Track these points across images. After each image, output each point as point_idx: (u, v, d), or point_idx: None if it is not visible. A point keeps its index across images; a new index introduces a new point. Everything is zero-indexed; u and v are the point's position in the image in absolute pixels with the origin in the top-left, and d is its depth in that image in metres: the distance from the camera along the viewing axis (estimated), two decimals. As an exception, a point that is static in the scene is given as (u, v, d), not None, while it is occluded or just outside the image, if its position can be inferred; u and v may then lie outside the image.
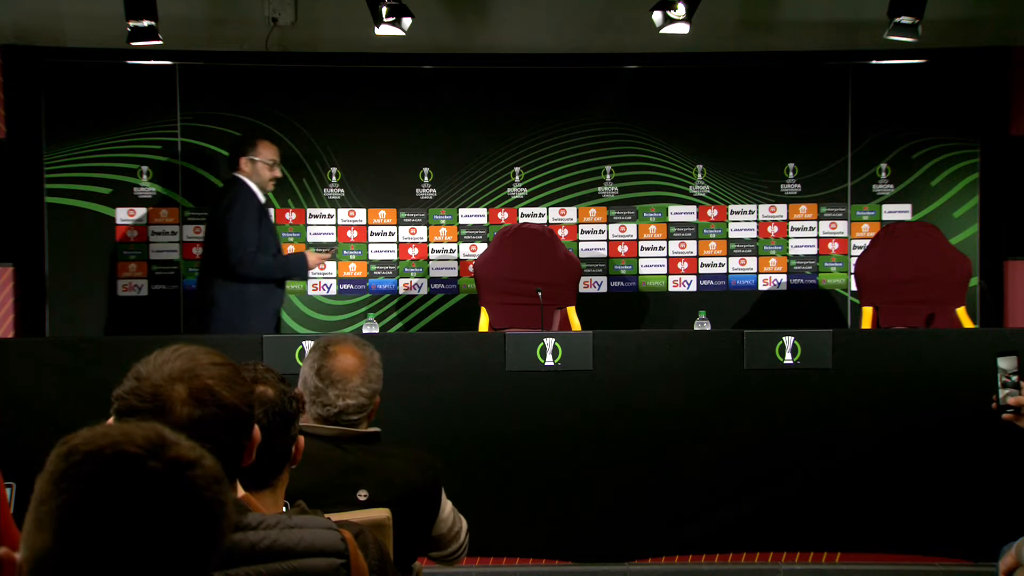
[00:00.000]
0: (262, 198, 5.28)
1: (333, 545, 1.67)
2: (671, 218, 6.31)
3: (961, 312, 5.52)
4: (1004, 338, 4.64)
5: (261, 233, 5.18)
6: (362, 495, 2.44)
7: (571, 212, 6.29)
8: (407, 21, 5.55)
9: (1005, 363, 2.94)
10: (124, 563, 1.00)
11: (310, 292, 6.20)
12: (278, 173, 5.35)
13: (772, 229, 6.31)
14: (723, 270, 6.31)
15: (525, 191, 6.29)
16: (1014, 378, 2.93)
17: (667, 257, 6.30)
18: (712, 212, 6.30)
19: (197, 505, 1.04)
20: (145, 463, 1.03)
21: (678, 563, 4.33)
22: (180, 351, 1.59)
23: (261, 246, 5.17)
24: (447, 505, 2.68)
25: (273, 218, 5.76)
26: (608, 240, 6.31)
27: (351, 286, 6.24)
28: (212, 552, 1.06)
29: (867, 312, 5.63)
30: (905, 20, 5.38)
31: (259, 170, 5.25)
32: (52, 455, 1.06)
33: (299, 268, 5.41)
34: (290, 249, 5.97)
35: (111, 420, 1.49)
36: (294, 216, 6.19)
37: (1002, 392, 2.93)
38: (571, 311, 5.67)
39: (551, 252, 5.79)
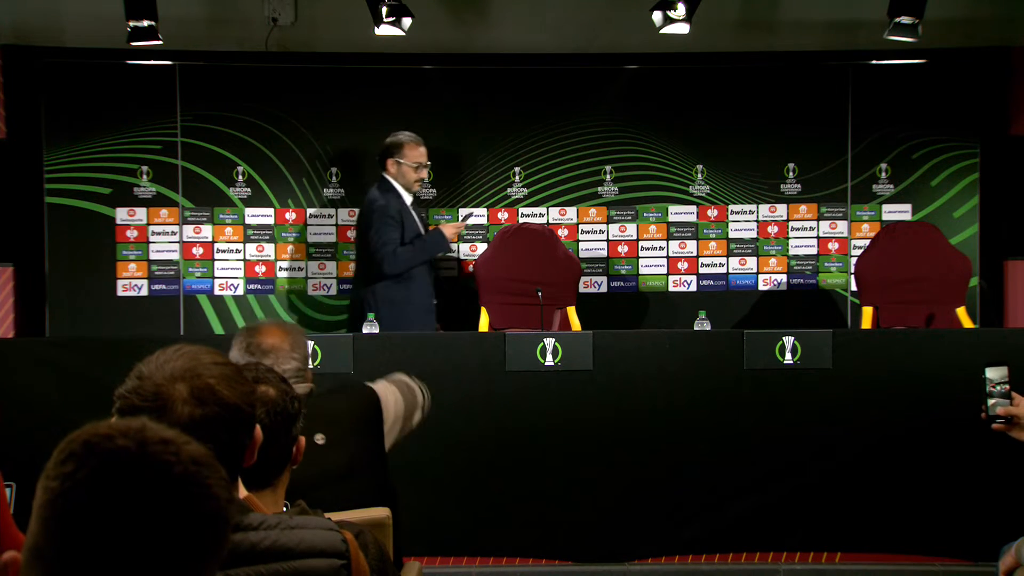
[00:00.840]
0: (408, 199, 5.40)
1: (334, 546, 1.67)
2: (671, 218, 6.31)
3: (961, 312, 5.52)
4: (1004, 338, 4.65)
5: (404, 232, 5.32)
6: (319, 439, 2.63)
7: (571, 212, 6.29)
8: (407, 21, 5.55)
9: (993, 373, 2.92)
10: (105, 551, 1.00)
11: (310, 292, 6.20)
12: (424, 175, 5.48)
13: (772, 229, 6.30)
14: (723, 270, 6.31)
15: (525, 191, 6.28)
16: (1003, 388, 2.92)
17: (667, 257, 6.30)
18: (712, 212, 6.30)
19: (169, 482, 1.02)
20: (113, 441, 1.02)
21: (678, 563, 4.33)
22: (182, 351, 1.60)
23: (406, 243, 5.33)
24: (389, 398, 2.91)
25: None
26: (608, 240, 6.31)
27: (351, 286, 6.23)
28: (197, 534, 1.04)
29: (867, 312, 5.63)
30: (905, 20, 5.38)
31: (404, 172, 5.38)
32: None
33: (439, 243, 5.47)
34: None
35: (114, 419, 1.49)
36: (294, 216, 6.19)
37: (990, 402, 2.91)
38: (571, 311, 5.67)
39: (551, 252, 5.79)
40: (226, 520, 1.06)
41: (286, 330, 2.78)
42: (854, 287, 5.98)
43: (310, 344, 3.79)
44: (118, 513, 1.00)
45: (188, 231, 6.13)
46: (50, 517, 1.01)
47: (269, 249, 6.18)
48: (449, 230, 5.50)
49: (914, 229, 5.88)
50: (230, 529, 1.08)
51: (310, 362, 2.90)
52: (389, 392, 2.94)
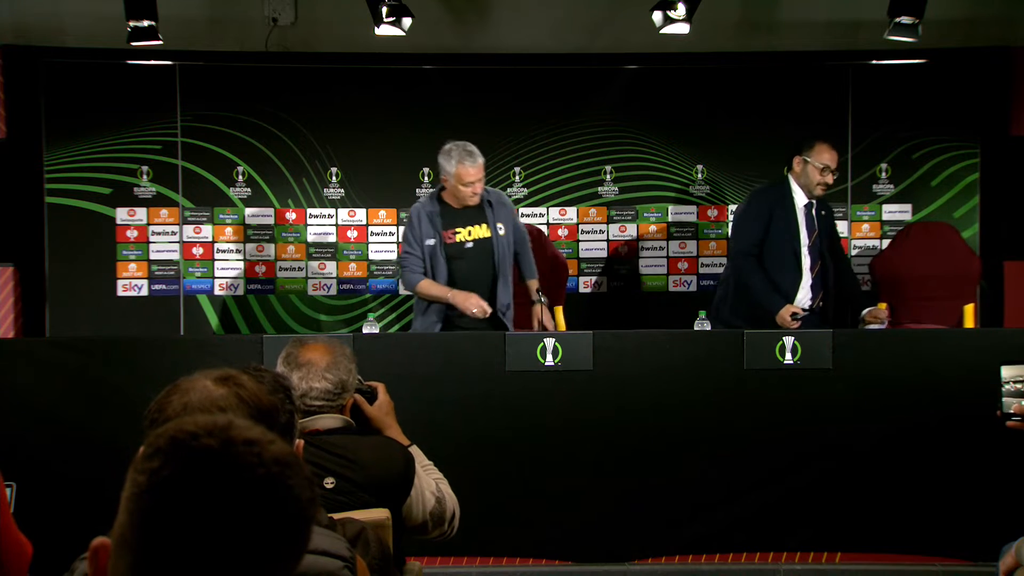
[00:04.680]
0: (802, 200, 5.07)
1: (340, 551, 1.69)
2: (671, 218, 6.31)
3: (968, 309, 5.53)
4: (1004, 339, 4.64)
5: (769, 236, 5.04)
6: (328, 483, 2.44)
7: (571, 212, 6.29)
8: (407, 21, 5.55)
9: (1009, 372, 2.93)
10: (187, 547, 1.02)
11: (310, 292, 6.19)
12: (829, 179, 5.06)
13: (772, 229, 6.30)
14: (723, 270, 6.30)
15: (525, 191, 6.28)
16: (1019, 386, 2.92)
17: (667, 257, 6.30)
18: (712, 212, 6.30)
19: (251, 482, 1.04)
20: (198, 440, 1.05)
21: (678, 563, 4.33)
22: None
23: (761, 252, 5.04)
24: (425, 490, 2.66)
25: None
26: (608, 240, 6.31)
27: (351, 286, 6.24)
28: (278, 533, 1.05)
29: (880, 308, 5.63)
30: (905, 20, 5.38)
31: (808, 172, 5.05)
32: None
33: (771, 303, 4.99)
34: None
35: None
36: (294, 216, 6.19)
37: (1005, 400, 2.92)
38: (558, 311, 5.66)
39: (541, 252, 5.78)
40: (307, 520, 1.08)
41: (332, 351, 2.61)
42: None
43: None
44: (200, 511, 1.02)
45: (188, 231, 6.13)
46: (135, 510, 1.03)
47: (269, 249, 6.18)
48: (783, 312, 4.94)
49: (928, 228, 5.96)
50: (311, 529, 1.09)
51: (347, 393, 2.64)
52: (426, 487, 2.65)
